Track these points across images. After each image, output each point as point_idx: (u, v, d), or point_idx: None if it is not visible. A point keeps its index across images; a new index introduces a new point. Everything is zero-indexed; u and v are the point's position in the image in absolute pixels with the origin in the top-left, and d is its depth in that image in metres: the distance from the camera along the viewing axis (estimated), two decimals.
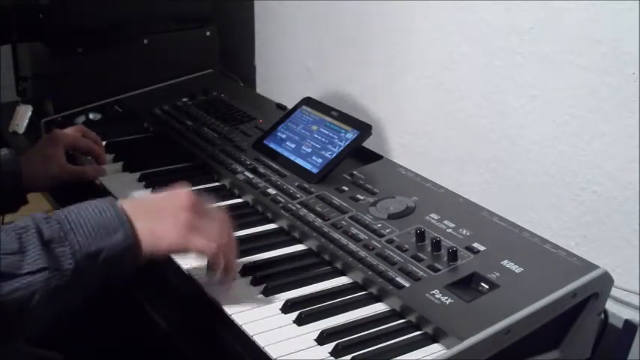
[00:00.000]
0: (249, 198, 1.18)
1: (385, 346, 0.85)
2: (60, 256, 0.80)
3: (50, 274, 0.79)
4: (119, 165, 1.31)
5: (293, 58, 1.76)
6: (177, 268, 1.00)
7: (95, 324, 1.16)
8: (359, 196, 1.11)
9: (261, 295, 0.94)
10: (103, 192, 1.24)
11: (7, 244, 0.79)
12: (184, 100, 1.54)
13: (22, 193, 1.21)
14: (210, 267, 0.94)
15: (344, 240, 1.01)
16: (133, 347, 1.16)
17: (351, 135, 1.21)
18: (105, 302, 1.15)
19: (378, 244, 0.99)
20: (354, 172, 1.18)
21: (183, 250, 0.91)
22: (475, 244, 0.97)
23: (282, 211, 1.10)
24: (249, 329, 0.87)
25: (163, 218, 0.90)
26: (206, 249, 0.91)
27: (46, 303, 0.79)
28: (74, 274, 0.81)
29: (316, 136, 1.24)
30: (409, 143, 1.46)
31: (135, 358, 1.18)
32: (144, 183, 1.24)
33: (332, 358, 0.83)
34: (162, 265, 1.03)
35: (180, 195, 0.93)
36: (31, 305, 0.78)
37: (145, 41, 1.63)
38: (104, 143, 1.39)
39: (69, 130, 1.31)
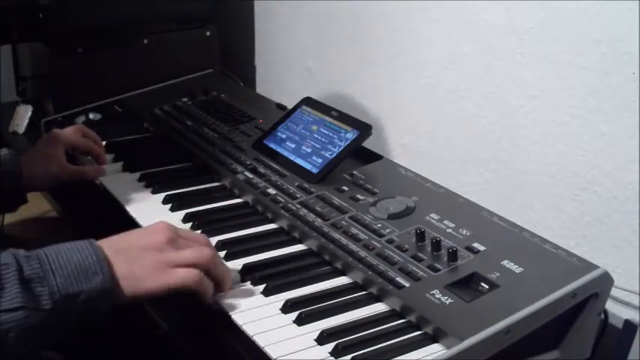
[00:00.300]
0: (249, 198, 1.18)
1: (385, 346, 0.85)
2: (38, 295, 0.80)
3: (26, 313, 0.79)
4: (119, 165, 1.31)
5: (293, 58, 1.76)
6: None
7: (95, 324, 1.16)
8: (359, 196, 1.11)
9: (261, 295, 0.94)
10: (103, 192, 1.24)
11: None
12: (184, 100, 1.54)
13: (21, 192, 1.21)
14: (199, 293, 0.91)
15: (344, 240, 1.01)
16: (132, 347, 1.16)
17: (351, 135, 1.21)
18: None
19: (378, 244, 0.99)
20: (354, 172, 1.18)
21: (167, 289, 0.89)
22: (475, 244, 0.97)
23: (282, 211, 1.10)
24: (249, 329, 0.87)
25: (142, 259, 0.89)
26: (188, 280, 0.89)
27: (20, 341, 0.79)
28: (51, 314, 0.81)
29: (316, 136, 1.24)
30: (409, 143, 1.46)
31: (134, 359, 1.18)
32: (144, 183, 1.24)
33: (332, 358, 0.83)
34: None
35: (158, 232, 0.92)
36: (5, 343, 0.78)
37: (145, 41, 1.63)
38: (104, 143, 1.39)
39: (69, 130, 1.31)
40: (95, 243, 0.87)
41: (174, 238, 0.92)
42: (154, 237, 0.91)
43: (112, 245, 0.88)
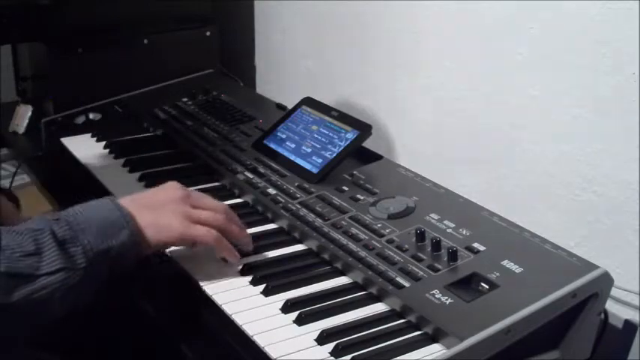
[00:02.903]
0: (249, 198, 1.18)
1: (385, 346, 0.85)
2: (73, 255, 0.85)
3: (66, 273, 0.83)
4: (119, 165, 1.31)
5: (293, 58, 1.76)
6: (181, 270, 1.00)
7: (93, 325, 1.16)
8: (359, 196, 1.11)
9: (261, 295, 0.94)
10: (103, 192, 1.24)
11: (24, 246, 0.82)
12: (184, 100, 1.54)
13: None
14: (218, 252, 0.97)
15: (344, 240, 1.01)
16: (131, 348, 1.16)
17: (351, 135, 1.21)
18: (103, 304, 1.15)
19: (378, 244, 0.99)
20: (354, 172, 1.18)
21: (188, 241, 0.95)
22: (475, 244, 0.96)
23: (282, 211, 1.10)
24: (249, 329, 0.87)
25: (164, 210, 0.94)
26: (208, 238, 0.95)
27: (63, 300, 0.84)
28: (86, 272, 0.85)
29: (316, 136, 1.24)
30: (409, 143, 1.46)
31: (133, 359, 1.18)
32: (144, 183, 1.24)
33: (332, 358, 0.83)
34: (164, 267, 1.03)
35: (172, 188, 0.98)
36: (52, 304, 0.83)
37: (145, 41, 1.63)
38: (104, 143, 1.39)
39: None
40: (116, 199, 0.92)
41: (188, 195, 0.98)
42: (169, 193, 0.97)
43: (133, 201, 0.94)
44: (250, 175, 1.21)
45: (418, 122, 1.43)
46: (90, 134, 1.45)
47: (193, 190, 1.02)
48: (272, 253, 1.03)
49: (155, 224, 0.92)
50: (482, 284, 0.90)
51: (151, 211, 0.93)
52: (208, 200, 1.00)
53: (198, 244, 0.96)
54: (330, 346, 0.84)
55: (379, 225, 1.03)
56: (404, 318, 0.89)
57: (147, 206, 0.94)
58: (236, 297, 0.93)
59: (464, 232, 1.00)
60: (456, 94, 1.34)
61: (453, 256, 0.94)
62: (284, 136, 1.28)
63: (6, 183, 1.49)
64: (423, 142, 1.42)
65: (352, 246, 1.00)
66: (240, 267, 0.99)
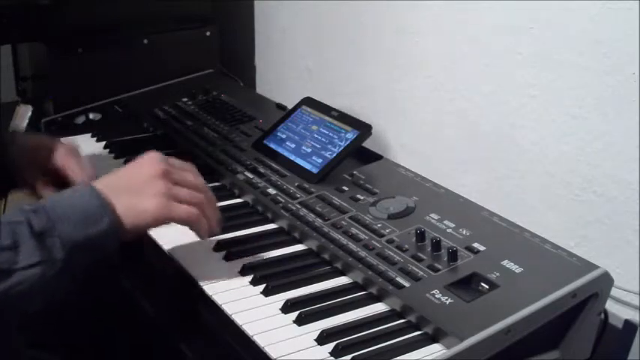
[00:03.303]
0: (249, 198, 1.18)
1: (385, 346, 0.85)
2: (51, 246, 0.83)
3: (44, 266, 0.81)
4: (119, 165, 1.31)
5: (293, 58, 1.76)
6: (180, 269, 1.00)
7: (93, 325, 1.16)
8: (359, 196, 1.11)
9: (261, 295, 0.94)
10: None
11: (1, 239, 0.80)
12: (184, 100, 1.54)
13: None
14: (195, 230, 0.95)
15: (344, 240, 1.01)
16: (131, 348, 1.16)
17: (351, 135, 1.21)
18: (102, 305, 1.15)
19: (378, 244, 0.99)
20: (354, 172, 1.18)
21: (166, 221, 0.93)
22: (475, 244, 0.97)
23: (282, 211, 1.10)
24: (249, 329, 0.87)
25: (141, 191, 0.91)
26: (188, 216, 0.93)
27: (42, 293, 0.83)
28: (65, 263, 0.83)
29: (316, 136, 1.24)
30: (409, 143, 1.46)
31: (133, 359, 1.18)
32: None
33: (332, 358, 0.83)
34: (164, 268, 1.03)
35: (151, 164, 0.94)
36: (30, 297, 0.82)
37: (145, 41, 1.63)
38: (104, 143, 1.39)
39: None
40: (95, 187, 0.89)
41: (169, 170, 0.94)
42: (148, 169, 0.93)
43: (109, 185, 0.90)
44: (250, 175, 1.21)
45: (418, 122, 1.43)
46: (90, 134, 1.45)
47: (174, 160, 0.98)
48: (272, 253, 1.03)
49: (132, 208, 0.89)
50: (482, 284, 0.90)
51: (130, 195, 0.90)
52: (189, 176, 0.97)
53: (176, 223, 0.94)
54: (330, 346, 0.84)
55: (379, 225, 1.03)
56: (404, 318, 0.89)
57: (125, 189, 0.91)
58: (236, 297, 0.93)
59: (464, 232, 1.00)
60: (456, 94, 1.34)
61: (453, 256, 0.94)
62: (284, 136, 1.28)
63: None
64: (423, 142, 1.42)
65: (352, 246, 1.00)
66: (240, 267, 0.99)
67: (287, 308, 0.91)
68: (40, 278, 0.81)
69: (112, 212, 0.87)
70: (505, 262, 0.93)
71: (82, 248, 0.85)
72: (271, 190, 1.16)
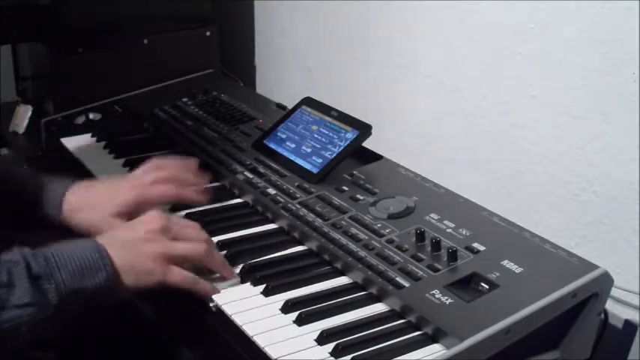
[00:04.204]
0: (249, 198, 1.18)
1: (385, 346, 0.85)
2: (46, 291, 0.85)
3: (35, 308, 0.83)
4: (119, 165, 1.31)
5: (293, 58, 1.76)
6: None
7: (93, 326, 1.16)
8: (359, 196, 1.11)
9: (261, 295, 0.94)
10: None
11: None
12: (184, 100, 1.54)
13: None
14: (198, 293, 0.95)
15: (344, 240, 1.01)
16: (131, 348, 1.16)
17: (351, 135, 1.21)
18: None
19: (378, 244, 0.99)
20: (354, 172, 1.18)
21: (164, 284, 0.93)
22: (475, 244, 0.96)
23: (282, 211, 1.10)
24: (249, 329, 0.87)
25: (141, 252, 0.93)
26: (184, 281, 0.94)
27: (29, 333, 0.84)
28: (57, 309, 0.85)
29: (316, 136, 1.24)
30: (409, 143, 1.46)
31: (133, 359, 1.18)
32: None
33: (332, 358, 0.83)
34: None
35: (151, 220, 0.96)
36: (17, 336, 0.83)
37: (145, 41, 1.63)
38: (104, 143, 1.39)
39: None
40: (97, 241, 0.91)
41: (168, 227, 0.96)
42: (148, 226, 0.95)
43: (110, 241, 0.92)
44: (250, 175, 1.21)
45: (418, 122, 1.43)
46: (90, 134, 1.45)
47: (176, 217, 1.02)
48: (272, 253, 1.03)
49: (132, 269, 0.91)
50: (483, 284, 0.90)
51: (128, 254, 0.92)
52: (190, 231, 0.98)
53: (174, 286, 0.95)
54: (330, 346, 0.84)
55: (379, 225, 1.03)
56: (404, 318, 0.89)
57: (125, 247, 0.92)
58: (236, 297, 0.93)
59: (464, 232, 1.00)
60: (456, 94, 1.34)
61: (452, 256, 0.94)
62: (284, 136, 1.28)
63: None
64: (423, 142, 1.42)
65: (352, 246, 1.00)
66: (240, 267, 0.99)
67: (287, 308, 0.91)
68: (30, 319, 0.83)
69: (111, 267, 0.89)
70: (505, 262, 0.92)
71: (76, 298, 0.87)
72: (271, 190, 1.16)
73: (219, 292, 0.94)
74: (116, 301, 0.92)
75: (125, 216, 1.06)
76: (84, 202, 1.08)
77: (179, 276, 0.93)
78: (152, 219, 0.97)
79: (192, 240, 0.97)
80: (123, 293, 0.92)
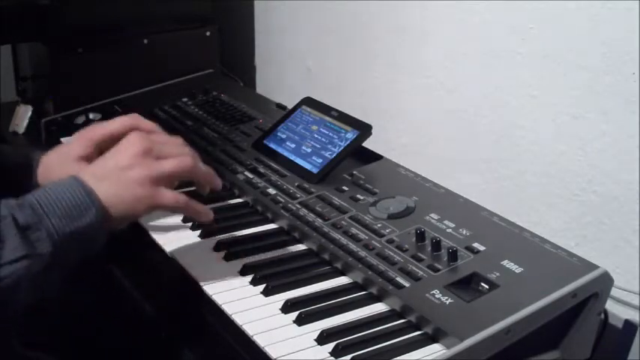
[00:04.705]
0: (249, 198, 1.18)
1: (385, 346, 0.84)
2: (37, 241, 0.81)
3: (30, 260, 0.80)
4: None
5: (293, 58, 1.76)
6: (180, 269, 1.00)
7: (93, 326, 1.16)
8: (359, 196, 1.11)
9: (261, 295, 0.94)
10: None
11: None
12: (184, 100, 1.54)
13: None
14: (188, 215, 0.95)
15: (344, 240, 1.01)
16: (131, 348, 1.16)
17: (351, 135, 1.21)
18: (101, 305, 1.15)
19: (378, 244, 0.99)
20: (354, 172, 1.18)
21: (154, 209, 0.91)
22: (475, 244, 0.97)
23: (282, 211, 1.10)
24: (249, 329, 0.87)
25: (127, 180, 0.89)
26: (175, 202, 0.92)
27: (30, 288, 0.81)
28: (52, 257, 0.82)
29: (316, 136, 1.24)
30: (409, 143, 1.46)
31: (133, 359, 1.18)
32: None
33: (332, 358, 0.83)
34: (163, 268, 1.03)
35: (132, 144, 0.92)
36: (18, 292, 0.80)
37: (145, 41, 1.63)
38: None
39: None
40: (80, 178, 0.87)
41: (150, 147, 0.92)
42: (129, 151, 0.91)
43: (94, 175, 0.89)
44: (250, 175, 1.21)
45: (418, 122, 1.43)
46: None
47: (156, 132, 0.97)
48: (272, 253, 1.03)
49: (121, 199, 0.88)
50: (482, 284, 0.90)
51: (114, 183, 0.88)
52: (172, 148, 0.95)
53: (165, 210, 0.93)
54: (330, 346, 0.84)
55: (379, 225, 1.03)
56: (404, 318, 0.89)
57: (108, 176, 0.89)
58: (236, 297, 0.93)
59: (464, 232, 1.00)
60: (456, 94, 1.34)
61: (453, 256, 0.94)
62: (284, 136, 1.28)
63: None
64: (423, 142, 1.42)
65: (352, 246, 1.00)
66: (240, 267, 0.99)
67: (287, 308, 0.91)
68: (27, 272, 0.80)
69: (99, 203, 0.86)
70: (505, 262, 0.92)
71: (69, 241, 0.83)
72: (271, 190, 1.16)
73: (212, 216, 0.94)
74: (108, 234, 0.88)
75: (91, 156, 1.00)
76: (55, 161, 1.03)
77: (171, 198, 0.91)
78: (132, 142, 0.92)
79: (177, 156, 0.94)
80: (116, 226, 0.88)
